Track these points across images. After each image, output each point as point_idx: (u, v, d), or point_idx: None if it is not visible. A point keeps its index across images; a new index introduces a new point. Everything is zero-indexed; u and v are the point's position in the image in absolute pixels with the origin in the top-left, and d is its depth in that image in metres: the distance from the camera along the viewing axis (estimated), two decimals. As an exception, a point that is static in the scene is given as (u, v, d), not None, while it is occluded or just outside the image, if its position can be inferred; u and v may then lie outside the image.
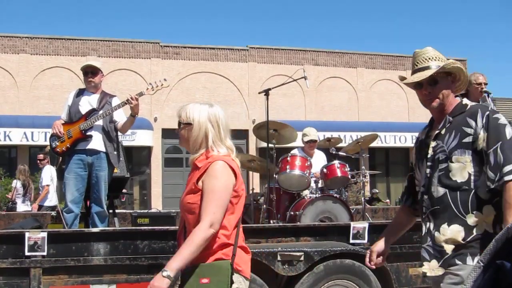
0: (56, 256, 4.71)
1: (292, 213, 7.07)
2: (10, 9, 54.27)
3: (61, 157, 6.50)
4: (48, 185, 11.38)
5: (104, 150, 6.45)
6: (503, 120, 3.05)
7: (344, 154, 8.25)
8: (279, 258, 5.06)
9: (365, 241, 5.53)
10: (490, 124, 2.99)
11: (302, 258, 5.11)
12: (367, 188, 13.64)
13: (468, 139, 3.02)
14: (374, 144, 8.91)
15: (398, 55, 28.01)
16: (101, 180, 6.41)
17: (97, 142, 6.42)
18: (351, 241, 5.50)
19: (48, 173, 11.29)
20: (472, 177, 2.99)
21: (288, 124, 7.80)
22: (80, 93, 6.66)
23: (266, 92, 7.38)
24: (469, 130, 3.04)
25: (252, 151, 24.19)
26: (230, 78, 25.14)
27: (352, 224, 5.64)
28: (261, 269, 5.06)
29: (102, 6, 63.25)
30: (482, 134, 2.98)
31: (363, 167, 8.15)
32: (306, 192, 7.52)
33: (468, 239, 2.96)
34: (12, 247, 4.66)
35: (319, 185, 7.61)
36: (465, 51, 78.71)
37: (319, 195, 7.23)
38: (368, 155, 8.85)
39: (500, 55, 72.79)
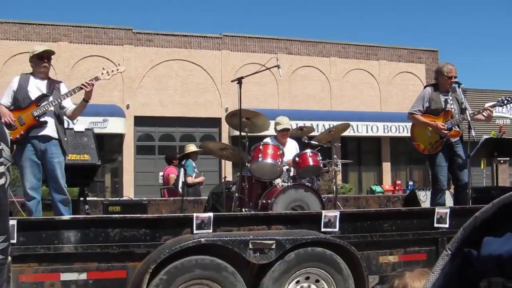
0: (26, 244, 4.67)
1: (264, 201, 7.08)
2: (-21, -7, 53.25)
3: (14, 145, 6.36)
4: None
5: (56, 136, 6.36)
6: None
7: (316, 143, 8.28)
8: (250, 246, 5.07)
9: (336, 229, 5.57)
10: None
11: (273, 246, 5.13)
12: (339, 177, 13.72)
13: None
14: (346, 133, 8.97)
15: (371, 45, 28.17)
16: (57, 167, 6.31)
17: (50, 128, 6.33)
18: (323, 229, 5.54)
19: None
20: None
21: (261, 112, 7.79)
22: (26, 78, 6.47)
23: (239, 80, 7.37)
24: None
25: (225, 140, 24.18)
26: (203, 66, 25.05)
27: (324, 212, 5.67)
28: (233, 257, 5.07)
29: (74, -9, 62.44)
30: None
31: (335, 156, 8.20)
32: (278, 181, 7.54)
33: None
34: (-20, 234, 4.60)
35: (291, 173, 7.63)
36: (437, 42, 79.34)
37: (291, 184, 7.26)
38: (340, 144, 8.93)
39: (471, 46, 73.59)
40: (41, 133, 6.28)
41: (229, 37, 25.71)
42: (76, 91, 6.33)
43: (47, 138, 6.31)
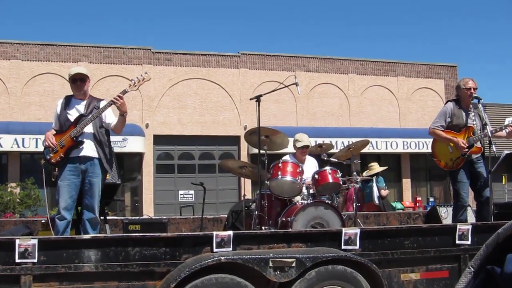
0: (47, 263, 4.68)
1: (283, 219, 7.06)
2: (1, 15, 54.14)
3: (56, 168, 6.43)
4: None
5: (97, 156, 6.43)
6: None
7: (336, 160, 8.26)
8: (270, 264, 5.04)
9: (357, 247, 5.53)
10: None
11: (294, 264, 5.10)
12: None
13: None
14: (366, 150, 8.92)
15: (389, 61, 28.11)
16: (95, 186, 6.38)
17: (89, 148, 6.39)
18: (343, 247, 5.50)
19: None
20: None
21: (280, 130, 7.79)
22: (68, 100, 6.61)
23: (258, 98, 7.38)
24: None
25: (244, 157, 24.19)
26: (221, 84, 25.14)
27: (344, 230, 5.63)
28: (253, 275, 5.05)
29: (94, 12, 63.21)
30: None
31: (355, 173, 8.16)
32: (297, 198, 7.52)
33: None
34: (2, 254, 4.62)
35: (311, 191, 7.61)
36: (456, 57, 79.03)
37: (311, 201, 7.23)
38: (359, 161, 8.87)
39: (490, 60, 73.18)
40: (80, 154, 6.36)
41: (247, 55, 25.80)
42: (107, 106, 6.36)
43: (87, 158, 6.39)
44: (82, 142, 6.34)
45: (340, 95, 26.89)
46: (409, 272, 5.79)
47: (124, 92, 6.42)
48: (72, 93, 6.67)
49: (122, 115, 6.45)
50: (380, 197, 11.95)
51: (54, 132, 6.50)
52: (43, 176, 6.94)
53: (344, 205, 12.88)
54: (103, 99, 6.74)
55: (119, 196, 20.34)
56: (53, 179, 6.41)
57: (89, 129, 6.38)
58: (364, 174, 12.74)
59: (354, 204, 8.14)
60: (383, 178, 12.44)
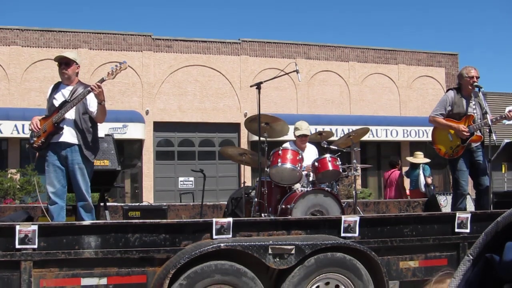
0: (47, 249, 4.70)
1: (283, 206, 7.08)
2: (1, 1, 53.90)
3: (37, 152, 6.47)
4: None
5: (76, 142, 6.40)
6: None
7: (336, 147, 8.27)
8: (270, 251, 5.07)
9: (356, 234, 5.55)
10: None
11: (293, 252, 5.13)
12: (358, 182, 13.69)
13: None
14: (366, 138, 8.93)
15: (389, 49, 28.04)
16: (77, 173, 6.37)
17: (69, 134, 6.39)
18: (342, 234, 5.52)
19: None
20: None
21: (280, 117, 7.79)
22: (56, 86, 6.65)
23: (258, 86, 7.38)
24: None
25: (244, 145, 24.19)
26: (222, 71, 25.09)
27: (343, 217, 5.65)
28: (252, 262, 5.07)
29: (94, -2, 62.95)
30: None
31: (355, 161, 8.17)
32: (297, 186, 7.53)
33: None
34: (2, 240, 4.64)
35: (311, 178, 7.62)
36: (457, 45, 78.80)
37: (311, 189, 7.24)
38: (359, 149, 8.88)
39: (492, 49, 73.02)
40: (60, 139, 6.36)
41: (247, 42, 25.73)
42: (85, 94, 6.31)
43: (67, 145, 6.38)
44: (61, 128, 6.34)
45: (341, 83, 26.85)
46: (408, 260, 5.82)
47: (102, 80, 6.36)
48: None
49: (100, 103, 6.41)
50: (426, 184, 12.64)
51: (42, 117, 6.52)
52: (34, 161, 6.97)
53: (385, 189, 13.81)
54: (89, 85, 6.74)
55: (119, 182, 20.32)
56: (33, 163, 6.47)
57: (70, 115, 6.37)
58: (409, 159, 13.75)
59: (353, 191, 8.16)
60: (429, 167, 13.00)
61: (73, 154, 6.38)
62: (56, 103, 6.43)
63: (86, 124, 6.52)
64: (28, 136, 6.87)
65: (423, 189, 12.63)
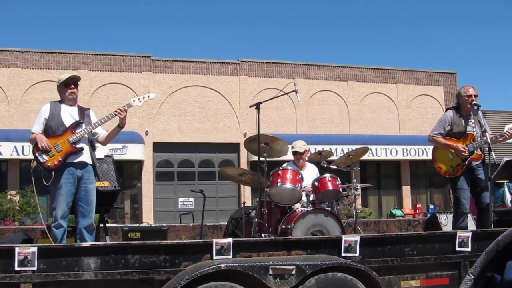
0: (47, 271, 4.67)
1: (283, 226, 7.05)
2: (1, 23, 54.24)
3: (53, 172, 6.35)
4: None
5: (91, 162, 6.47)
6: None
7: (335, 167, 8.26)
8: (270, 271, 5.03)
9: (357, 254, 5.52)
10: None
11: (293, 272, 5.10)
12: (359, 201, 13.68)
13: None
14: (365, 157, 8.94)
15: (388, 68, 28.15)
16: (91, 193, 6.39)
17: (85, 155, 6.42)
18: (343, 254, 5.49)
19: None
20: None
21: (279, 137, 7.79)
22: (57, 106, 6.55)
23: (257, 106, 7.38)
24: None
25: (243, 165, 24.19)
26: (221, 92, 25.17)
27: (344, 237, 5.62)
28: (253, 283, 5.04)
29: (94, 20, 63.35)
30: None
31: (354, 180, 8.16)
32: (297, 206, 7.52)
33: None
34: (1, 262, 4.61)
35: (311, 198, 7.60)
36: (455, 64, 79.08)
37: (311, 209, 7.22)
38: (359, 168, 8.86)
39: (490, 67, 73.28)
40: (77, 160, 6.35)
41: (246, 62, 25.84)
42: (110, 117, 6.39)
43: (84, 165, 6.40)
44: (82, 149, 6.35)
45: (340, 102, 26.92)
46: (409, 279, 5.78)
47: (129, 105, 6.46)
48: (59, 100, 6.64)
49: (121, 127, 6.50)
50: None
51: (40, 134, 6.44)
52: (32, 181, 6.87)
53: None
54: (89, 108, 6.84)
55: (119, 203, 20.32)
56: (46, 183, 6.32)
57: (85, 135, 6.41)
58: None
59: (354, 211, 8.14)
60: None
61: (88, 173, 6.42)
62: (66, 123, 6.39)
63: (94, 145, 6.62)
64: (28, 157, 6.85)
65: (509, 204, 12.74)
